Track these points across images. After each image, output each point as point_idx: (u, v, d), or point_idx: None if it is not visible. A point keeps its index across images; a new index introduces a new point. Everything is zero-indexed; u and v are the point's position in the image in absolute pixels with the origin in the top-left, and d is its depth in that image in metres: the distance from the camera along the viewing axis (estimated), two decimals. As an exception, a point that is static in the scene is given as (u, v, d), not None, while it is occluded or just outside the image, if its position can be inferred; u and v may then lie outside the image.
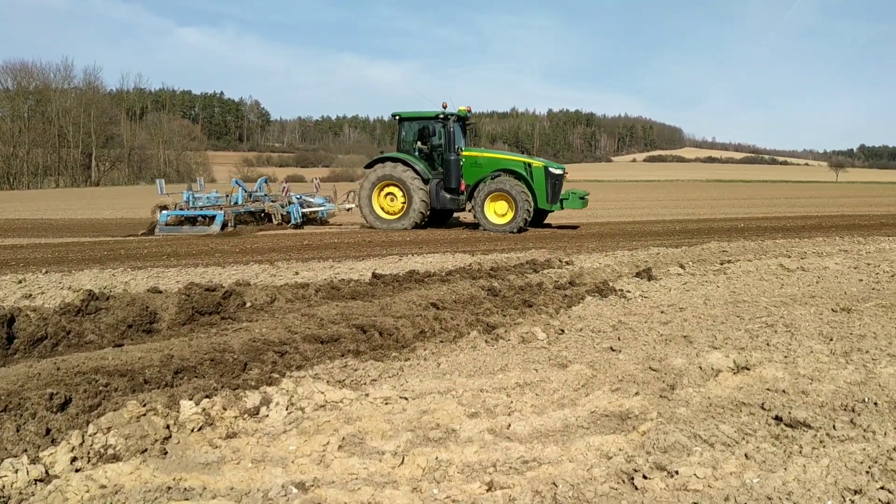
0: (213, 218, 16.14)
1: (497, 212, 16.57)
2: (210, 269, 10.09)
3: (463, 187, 16.96)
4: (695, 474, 3.10)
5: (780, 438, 3.51)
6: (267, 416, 3.98)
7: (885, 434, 3.45)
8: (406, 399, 4.27)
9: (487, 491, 3.04)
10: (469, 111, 17.75)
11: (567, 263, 10.30)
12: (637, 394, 4.30)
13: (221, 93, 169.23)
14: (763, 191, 53.78)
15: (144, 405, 3.79)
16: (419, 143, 17.62)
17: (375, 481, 3.15)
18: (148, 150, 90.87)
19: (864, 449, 3.28)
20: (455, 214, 19.25)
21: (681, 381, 4.52)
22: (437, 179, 17.10)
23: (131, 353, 4.66)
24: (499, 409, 4.09)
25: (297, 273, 9.54)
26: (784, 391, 4.20)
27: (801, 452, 3.28)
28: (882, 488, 2.85)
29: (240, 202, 18.31)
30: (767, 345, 5.30)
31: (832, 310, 6.55)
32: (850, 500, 2.78)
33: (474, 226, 17.78)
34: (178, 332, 5.89)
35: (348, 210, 19.68)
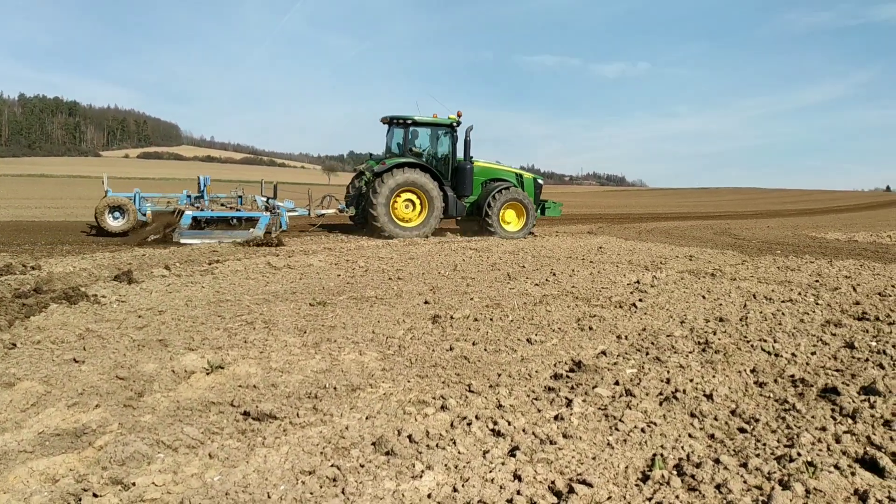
0: (253, 220, 14.47)
1: (505, 219, 18.42)
2: None
3: None
4: (153, 483, 3.09)
5: (247, 433, 3.75)
6: None
7: (342, 415, 3.99)
8: None
9: None
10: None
11: (33, 268, 9.30)
12: (98, 406, 4.11)
13: None
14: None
15: None
16: (413, 149, 17.94)
17: None
18: None
19: (321, 432, 3.73)
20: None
21: (151, 387, 4.48)
22: (447, 187, 17.82)
23: None
24: None
25: None
26: (255, 386, 4.50)
27: (264, 444, 3.56)
28: (333, 466, 3.27)
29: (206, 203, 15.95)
30: (245, 342, 5.62)
31: (310, 304, 7.31)
32: (302, 481, 3.13)
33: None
34: None
35: (320, 216, 18.21)
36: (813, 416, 4.08)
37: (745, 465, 3.32)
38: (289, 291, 8.15)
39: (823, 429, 3.87)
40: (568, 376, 4.86)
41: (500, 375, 4.87)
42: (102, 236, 15.09)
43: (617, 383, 4.68)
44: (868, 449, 3.53)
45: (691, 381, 4.77)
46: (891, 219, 39.23)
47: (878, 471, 3.29)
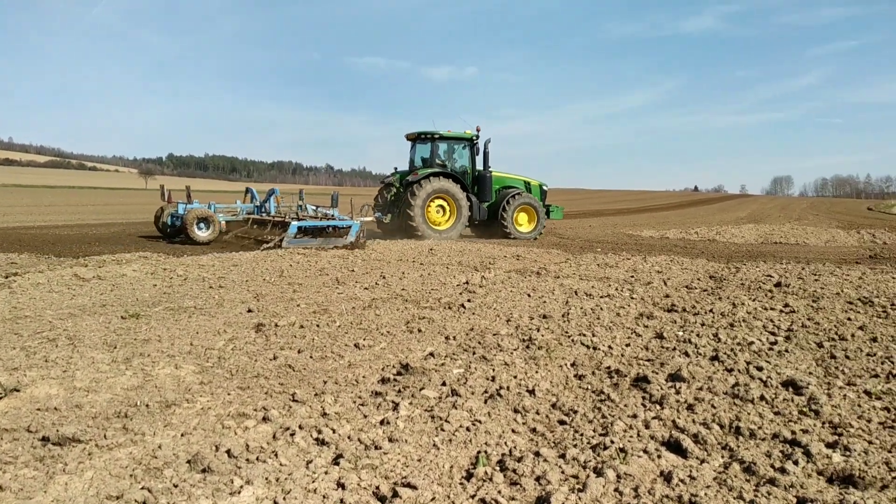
0: (345, 229, 15.93)
1: (518, 222, 20.53)
2: None
3: None
4: (-71, 525, 2.80)
5: (45, 460, 3.46)
6: None
7: (155, 434, 3.79)
8: None
9: None
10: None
11: None
12: None
13: None
14: (70, 197, 53.25)
15: None
16: (438, 161, 20.02)
17: None
18: None
19: (131, 453, 3.52)
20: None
21: (-71, 417, 4.04)
22: (470, 194, 19.92)
23: None
24: None
25: None
26: (56, 408, 4.17)
27: (65, 470, 3.31)
28: (143, 488, 3.10)
29: (272, 213, 17.59)
30: (45, 361, 5.19)
31: (121, 317, 6.88)
32: (108, 507, 2.95)
33: None
34: None
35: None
36: (626, 405, 4.37)
37: (563, 456, 3.50)
38: (98, 304, 7.63)
39: (635, 416, 4.15)
40: (395, 380, 4.90)
41: (325, 383, 4.83)
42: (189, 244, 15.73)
43: (444, 384, 4.77)
44: (673, 432, 3.83)
45: (515, 377, 4.96)
46: (697, 216, 42.84)
47: (681, 452, 3.58)
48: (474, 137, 20.44)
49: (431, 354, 5.66)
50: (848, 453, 3.51)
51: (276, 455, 3.49)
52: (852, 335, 6.39)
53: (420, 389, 4.63)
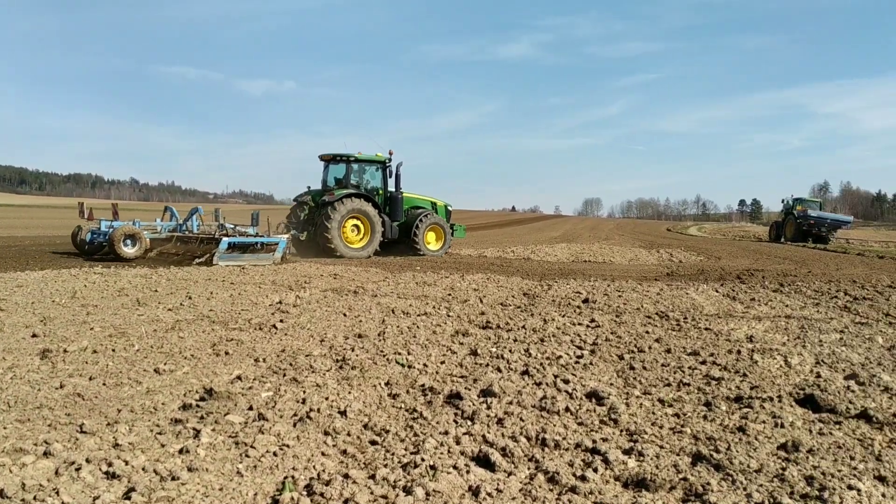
0: (273, 245, 16.91)
1: (427, 240, 22.05)
2: None
3: None
4: None
5: None
6: None
7: None
8: None
9: None
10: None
11: None
12: None
13: None
14: None
15: None
16: (352, 182, 21.00)
17: None
18: None
19: None
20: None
21: None
22: (383, 214, 21.10)
23: None
24: None
25: None
26: None
27: None
28: None
29: (195, 231, 18.73)
30: None
31: None
32: None
33: None
34: None
35: None
36: (438, 422, 4.44)
37: (373, 477, 3.48)
38: None
39: (446, 433, 4.22)
40: (198, 405, 4.68)
41: (120, 411, 4.51)
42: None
43: (251, 408, 4.62)
44: (483, 447, 3.93)
45: (327, 399, 4.89)
46: (514, 236, 44.73)
47: (489, 466, 3.68)
48: (387, 160, 21.80)
49: (239, 378, 5.47)
50: (642, 458, 3.77)
51: (57, 493, 3.20)
52: (649, 347, 6.90)
53: (224, 415, 4.45)
